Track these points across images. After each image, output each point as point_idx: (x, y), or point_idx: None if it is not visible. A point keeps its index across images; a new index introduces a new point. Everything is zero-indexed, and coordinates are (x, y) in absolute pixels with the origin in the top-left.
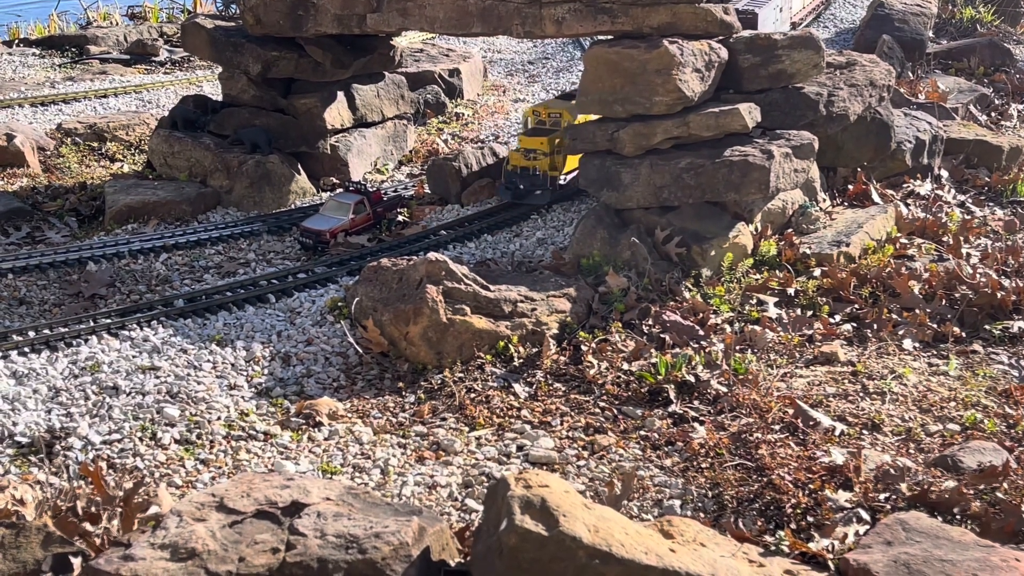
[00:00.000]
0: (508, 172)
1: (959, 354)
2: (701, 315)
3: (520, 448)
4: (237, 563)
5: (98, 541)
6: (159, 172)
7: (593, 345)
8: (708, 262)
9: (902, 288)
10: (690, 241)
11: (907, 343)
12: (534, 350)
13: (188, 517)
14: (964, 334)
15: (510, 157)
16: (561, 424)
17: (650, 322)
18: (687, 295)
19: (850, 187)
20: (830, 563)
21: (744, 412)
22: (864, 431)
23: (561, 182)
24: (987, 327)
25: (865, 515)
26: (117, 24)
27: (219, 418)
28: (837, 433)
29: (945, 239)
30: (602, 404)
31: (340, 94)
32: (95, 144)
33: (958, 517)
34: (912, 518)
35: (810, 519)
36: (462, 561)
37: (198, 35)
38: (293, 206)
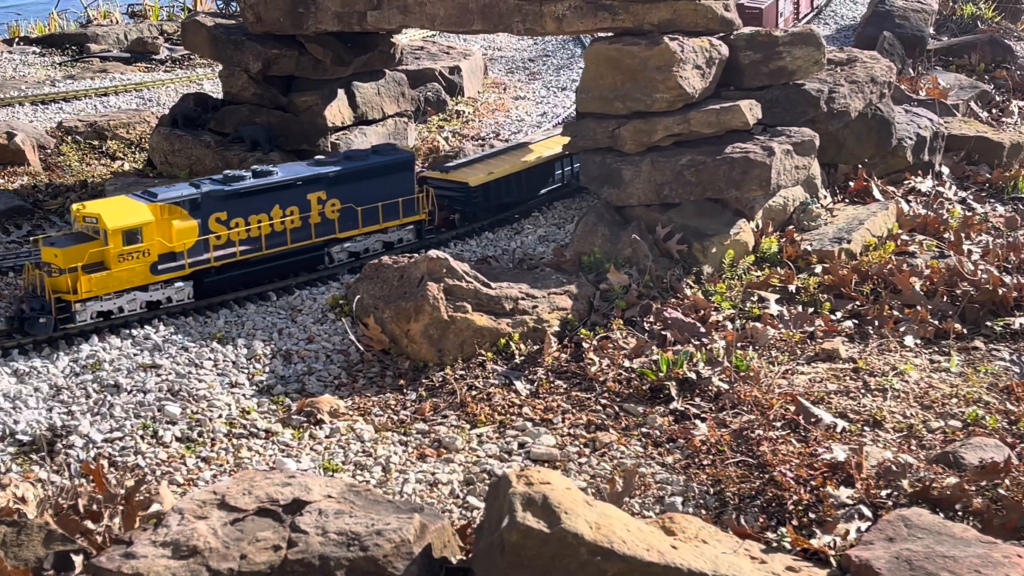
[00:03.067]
0: (26, 288)
1: (960, 350)
2: (702, 312)
3: (522, 445)
4: (239, 560)
5: (100, 539)
6: (160, 170)
7: (594, 342)
8: (709, 259)
9: (903, 285)
10: (691, 238)
11: (908, 340)
12: (535, 347)
13: (189, 515)
14: (965, 331)
15: (28, 268)
16: (562, 421)
17: (651, 319)
18: (688, 292)
19: (851, 184)
20: (832, 559)
21: (746, 409)
22: (866, 428)
23: (99, 307)
24: (988, 323)
25: (867, 511)
26: (117, 22)
27: (220, 416)
28: (839, 430)
29: (946, 236)
30: (603, 401)
31: (341, 92)
32: (96, 142)
33: (960, 513)
34: (914, 514)
35: (812, 516)
36: (464, 558)
37: (198, 33)
38: None
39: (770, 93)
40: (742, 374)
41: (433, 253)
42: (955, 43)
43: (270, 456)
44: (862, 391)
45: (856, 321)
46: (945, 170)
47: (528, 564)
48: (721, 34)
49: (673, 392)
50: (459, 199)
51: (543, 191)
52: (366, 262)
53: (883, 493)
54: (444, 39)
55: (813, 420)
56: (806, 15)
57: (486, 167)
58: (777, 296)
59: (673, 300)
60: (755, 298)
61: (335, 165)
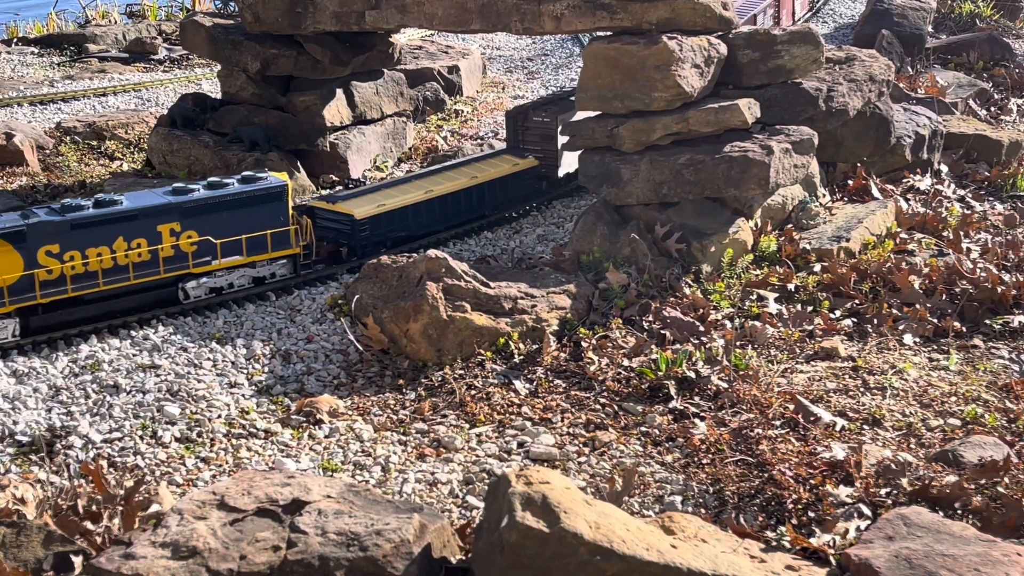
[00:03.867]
0: None
1: (959, 349)
2: (701, 311)
3: (521, 445)
4: (238, 561)
5: (99, 540)
6: (158, 170)
7: (593, 341)
8: (708, 258)
9: (902, 283)
10: (690, 237)
11: (907, 338)
12: (534, 347)
13: (189, 515)
14: (964, 329)
15: None
16: (562, 421)
17: (650, 318)
18: (687, 291)
19: (850, 182)
20: (831, 558)
21: (745, 408)
22: (865, 426)
23: None
24: (987, 322)
25: (866, 510)
26: (116, 22)
27: (220, 416)
28: (838, 428)
29: (945, 234)
30: (603, 400)
31: (339, 91)
32: (94, 142)
33: (959, 512)
34: (913, 513)
35: (811, 514)
36: (463, 558)
37: (197, 33)
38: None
39: (769, 92)
40: (741, 373)
41: (432, 253)
42: (954, 41)
43: (269, 456)
44: (861, 389)
45: (855, 319)
46: (944, 168)
47: (527, 564)
48: (719, 33)
49: (672, 391)
50: (345, 232)
51: (457, 222)
52: (228, 298)
53: (882, 492)
54: (443, 38)
55: (812, 419)
56: None
57: (380, 197)
58: (776, 295)
59: (672, 299)
60: (754, 297)
61: (192, 194)
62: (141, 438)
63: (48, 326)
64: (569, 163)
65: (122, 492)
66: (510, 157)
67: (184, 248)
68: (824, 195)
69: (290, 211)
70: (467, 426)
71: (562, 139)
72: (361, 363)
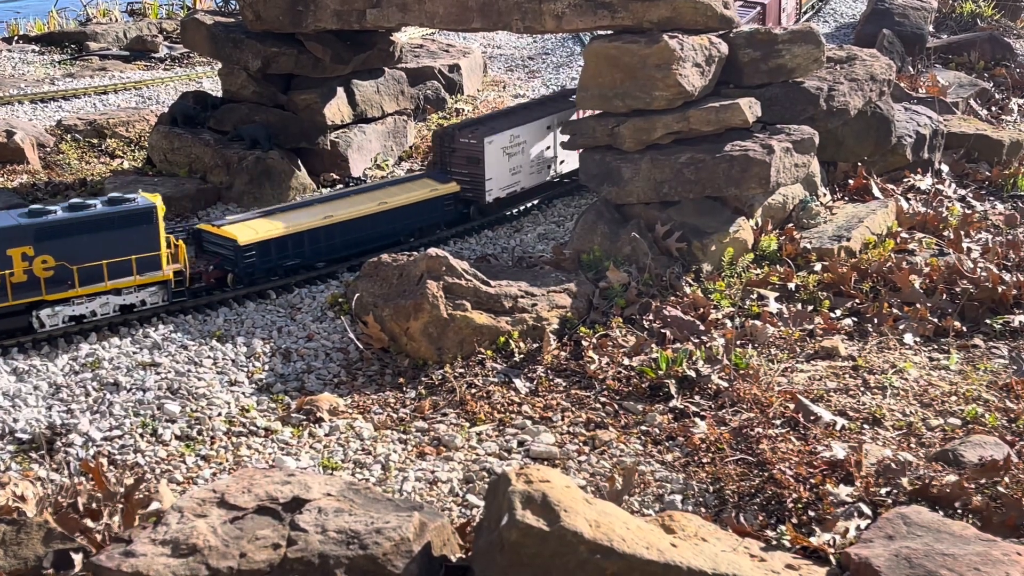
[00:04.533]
0: None
1: (960, 348)
2: (702, 310)
3: (521, 443)
4: (238, 559)
5: (99, 537)
6: (159, 168)
7: (594, 340)
8: (708, 257)
9: (903, 283)
10: (690, 236)
11: (908, 337)
12: (535, 345)
13: (189, 513)
14: (965, 328)
15: None
16: (562, 419)
17: (651, 317)
18: (688, 290)
19: (851, 182)
20: (831, 557)
21: (745, 407)
22: (865, 425)
23: None
24: (988, 321)
25: (866, 509)
26: (117, 21)
27: (220, 414)
28: (838, 428)
29: (946, 233)
30: (603, 399)
31: (340, 90)
32: (95, 140)
33: (959, 511)
34: (913, 512)
35: (811, 513)
36: (463, 556)
37: (198, 31)
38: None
39: (770, 91)
40: (741, 372)
41: (432, 251)
42: (954, 41)
43: (269, 454)
44: (861, 389)
45: (855, 319)
46: (944, 168)
47: (527, 562)
48: (720, 32)
49: (672, 390)
50: (229, 258)
51: (363, 250)
52: (92, 327)
53: (882, 491)
54: (444, 37)
55: (812, 418)
56: None
57: (273, 222)
58: (776, 294)
59: (672, 298)
60: (754, 296)
61: (48, 216)
62: (141, 436)
63: None
64: (498, 187)
65: (122, 490)
66: (430, 181)
67: (38, 273)
68: (825, 194)
69: (161, 234)
70: (467, 424)
71: (489, 161)
72: (361, 361)
